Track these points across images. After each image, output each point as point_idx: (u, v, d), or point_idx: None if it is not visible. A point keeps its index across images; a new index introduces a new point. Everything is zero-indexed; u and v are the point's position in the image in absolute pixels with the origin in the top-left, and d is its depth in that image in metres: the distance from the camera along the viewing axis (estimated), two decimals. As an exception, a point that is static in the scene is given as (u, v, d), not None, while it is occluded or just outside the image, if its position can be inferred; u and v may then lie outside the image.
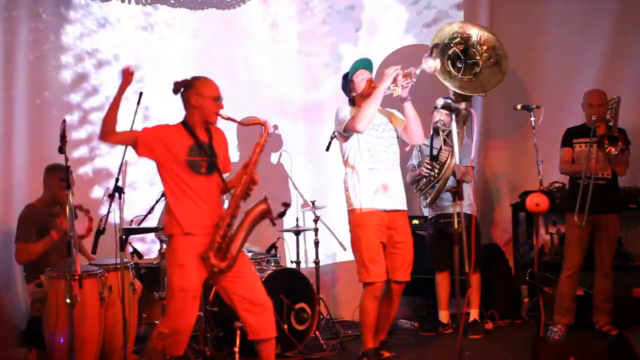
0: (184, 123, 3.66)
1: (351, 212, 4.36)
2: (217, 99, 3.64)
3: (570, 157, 5.05)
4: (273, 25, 6.23)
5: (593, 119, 4.84)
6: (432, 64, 4.11)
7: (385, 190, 4.30)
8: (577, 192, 4.81)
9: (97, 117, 5.70)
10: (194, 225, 3.56)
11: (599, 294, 5.04)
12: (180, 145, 3.58)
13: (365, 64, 4.46)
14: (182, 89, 3.65)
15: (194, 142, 3.60)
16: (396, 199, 4.36)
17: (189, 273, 3.53)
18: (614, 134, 4.77)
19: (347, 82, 4.46)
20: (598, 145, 4.76)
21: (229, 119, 3.68)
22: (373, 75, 4.46)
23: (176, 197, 3.58)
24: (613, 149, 4.73)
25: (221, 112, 3.66)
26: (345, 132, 4.34)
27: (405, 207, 4.44)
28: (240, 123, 3.79)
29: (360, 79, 4.38)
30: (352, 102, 4.47)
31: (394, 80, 4.22)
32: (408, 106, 4.29)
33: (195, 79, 3.67)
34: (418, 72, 4.14)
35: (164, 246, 4.65)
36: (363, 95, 4.37)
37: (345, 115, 4.35)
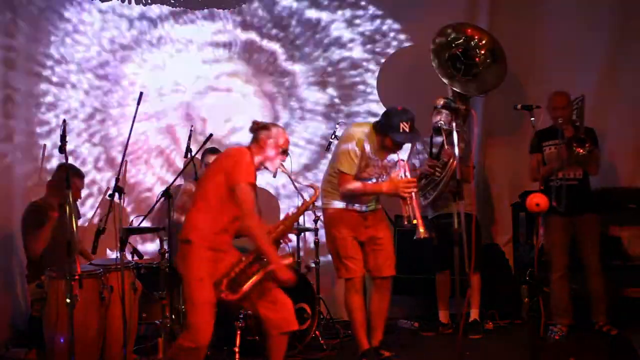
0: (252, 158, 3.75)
1: (325, 210, 4.45)
2: (284, 152, 3.81)
3: (539, 164, 5.05)
4: (273, 24, 6.21)
5: (559, 121, 4.87)
6: (421, 230, 4.18)
7: (362, 203, 4.38)
8: (552, 193, 4.80)
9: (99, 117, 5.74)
10: (220, 242, 3.67)
11: (593, 294, 5.04)
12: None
13: (411, 137, 4.35)
14: (258, 129, 3.80)
15: (255, 180, 3.73)
16: (371, 201, 4.43)
17: (209, 285, 3.60)
18: (580, 135, 4.80)
19: (388, 126, 4.26)
20: (567, 148, 4.78)
21: (287, 173, 3.89)
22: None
23: (215, 213, 3.65)
24: (582, 150, 4.76)
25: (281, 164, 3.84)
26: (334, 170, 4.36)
27: (379, 206, 4.49)
28: (294, 181, 4.03)
29: (389, 145, 4.28)
30: (377, 128, 4.34)
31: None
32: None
33: (274, 125, 3.87)
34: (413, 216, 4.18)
35: (165, 246, 4.65)
36: (380, 143, 4.32)
37: (350, 149, 4.26)
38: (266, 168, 3.82)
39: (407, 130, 4.21)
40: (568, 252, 5.00)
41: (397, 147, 4.31)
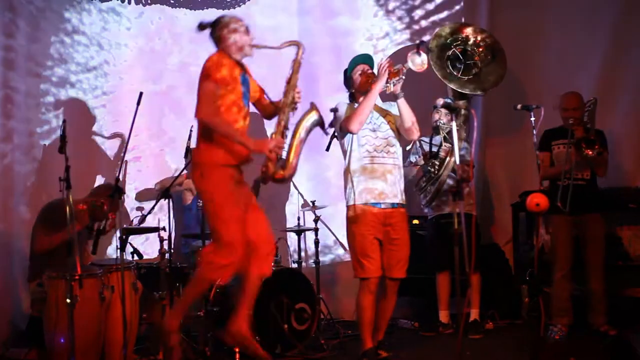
0: (229, 56, 3.69)
1: (348, 208, 4.43)
2: (247, 30, 3.74)
3: (548, 162, 5.06)
4: (273, 25, 6.21)
5: (570, 122, 4.87)
6: (419, 61, 4.17)
7: (379, 189, 4.34)
8: (558, 192, 4.81)
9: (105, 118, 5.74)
10: (237, 157, 3.67)
11: (593, 295, 5.04)
12: (235, 75, 3.66)
13: (364, 58, 4.56)
14: (211, 28, 3.72)
15: (242, 71, 3.70)
16: (391, 196, 4.37)
17: (235, 200, 3.62)
18: (590, 137, 4.80)
19: (347, 78, 4.55)
20: (576, 148, 4.79)
21: (263, 46, 3.77)
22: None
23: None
24: (590, 152, 4.77)
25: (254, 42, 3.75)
26: (342, 131, 4.41)
27: (402, 202, 4.44)
28: (274, 48, 3.80)
29: (357, 75, 4.47)
30: (352, 97, 4.54)
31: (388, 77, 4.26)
32: (401, 103, 4.33)
33: (221, 16, 3.76)
34: (405, 69, 4.20)
35: (165, 246, 4.66)
36: (360, 90, 4.44)
37: (341, 114, 4.42)
38: (246, 54, 3.77)
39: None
40: (572, 252, 5.00)
41: (362, 72, 4.42)
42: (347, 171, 4.43)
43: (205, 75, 3.59)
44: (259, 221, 3.78)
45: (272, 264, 3.82)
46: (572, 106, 4.97)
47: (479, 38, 5.48)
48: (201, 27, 3.74)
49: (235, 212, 3.62)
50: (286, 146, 3.72)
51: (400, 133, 4.44)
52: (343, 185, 4.47)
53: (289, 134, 3.76)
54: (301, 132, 3.74)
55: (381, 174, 4.35)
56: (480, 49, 5.47)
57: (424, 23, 6.28)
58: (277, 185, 6.01)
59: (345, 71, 4.58)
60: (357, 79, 4.46)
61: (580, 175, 4.96)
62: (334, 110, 4.46)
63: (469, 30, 5.53)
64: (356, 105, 4.42)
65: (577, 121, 4.90)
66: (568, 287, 5.03)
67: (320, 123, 3.86)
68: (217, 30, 3.72)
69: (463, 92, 5.32)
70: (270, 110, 3.91)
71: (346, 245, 5.40)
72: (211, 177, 3.62)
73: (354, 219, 4.36)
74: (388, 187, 4.36)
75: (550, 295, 5.02)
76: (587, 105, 4.99)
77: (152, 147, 5.93)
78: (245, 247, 3.66)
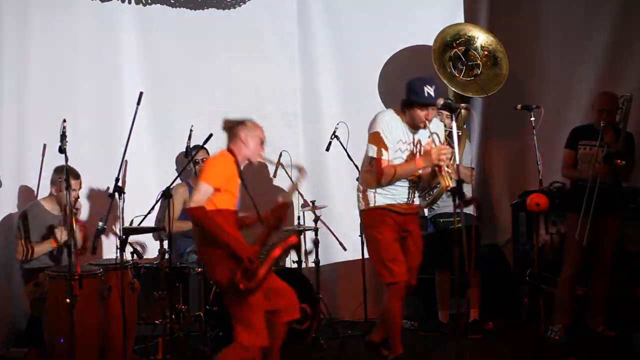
0: (235, 159, 3.83)
1: (363, 212, 4.34)
2: (262, 142, 3.92)
3: (572, 160, 4.99)
4: (273, 25, 6.21)
5: (602, 124, 4.77)
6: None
7: (397, 195, 4.27)
8: (579, 193, 4.76)
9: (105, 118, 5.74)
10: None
11: (596, 295, 5.03)
12: (235, 182, 3.83)
13: (436, 98, 4.14)
14: (233, 127, 3.88)
15: (241, 181, 3.86)
16: (408, 203, 4.32)
17: None
18: (620, 148, 4.73)
19: (412, 93, 4.16)
20: (605, 161, 4.72)
21: (265, 160, 4.12)
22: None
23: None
24: (620, 162, 4.71)
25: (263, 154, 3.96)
26: (370, 164, 4.26)
27: (418, 211, 4.45)
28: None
29: (419, 111, 4.14)
30: (403, 104, 4.25)
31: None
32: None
33: (248, 120, 3.93)
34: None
35: (165, 246, 4.66)
36: (412, 120, 4.21)
37: (376, 131, 4.20)
38: (250, 162, 3.91)
39: (432, 93, 4.08)
40: (585, 253, 4.91)
41: (425, 115, 4.12)
42: (364, 180, 4.35)
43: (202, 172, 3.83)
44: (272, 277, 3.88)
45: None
46: (608, 107, 4.83)
47: (482, 40, 5.49)
48: (228, 124, 3.91)
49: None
50: (263, 258, 3.73)
51: None
52: (357, 189, 4.42)
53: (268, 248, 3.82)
54: (277, 255, 3.77)
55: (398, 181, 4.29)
56: (484, 52, 5.48)
57: (424, 21, 6.26)
58: (276, 186, 6.07)
59: (410, 85, 4.21)
60: (416, 118, 4.16)
61: (604, 179, 4.83)
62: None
63: (472, 31, 5.54)
64: (390, 114, 4.27)
65: (608, 123, 4.79)
66: (573, 288, 4.99)
67: (297, 248, 4.00)
68: (239, 130, 3.86)
69: (464, 94, 5.32)
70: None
71: (345, 245, 5.42)
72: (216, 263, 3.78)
73: (373, 222, 4.26)
74: (405, 194, 4.29)
75: (556, 292, 5.01)
76: (621, 102, 4.88)
77: (152, 147, 5.91)
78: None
